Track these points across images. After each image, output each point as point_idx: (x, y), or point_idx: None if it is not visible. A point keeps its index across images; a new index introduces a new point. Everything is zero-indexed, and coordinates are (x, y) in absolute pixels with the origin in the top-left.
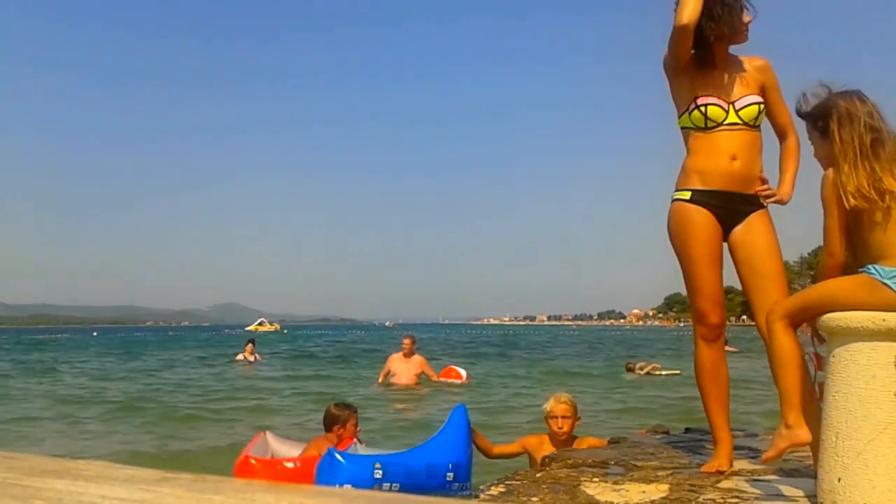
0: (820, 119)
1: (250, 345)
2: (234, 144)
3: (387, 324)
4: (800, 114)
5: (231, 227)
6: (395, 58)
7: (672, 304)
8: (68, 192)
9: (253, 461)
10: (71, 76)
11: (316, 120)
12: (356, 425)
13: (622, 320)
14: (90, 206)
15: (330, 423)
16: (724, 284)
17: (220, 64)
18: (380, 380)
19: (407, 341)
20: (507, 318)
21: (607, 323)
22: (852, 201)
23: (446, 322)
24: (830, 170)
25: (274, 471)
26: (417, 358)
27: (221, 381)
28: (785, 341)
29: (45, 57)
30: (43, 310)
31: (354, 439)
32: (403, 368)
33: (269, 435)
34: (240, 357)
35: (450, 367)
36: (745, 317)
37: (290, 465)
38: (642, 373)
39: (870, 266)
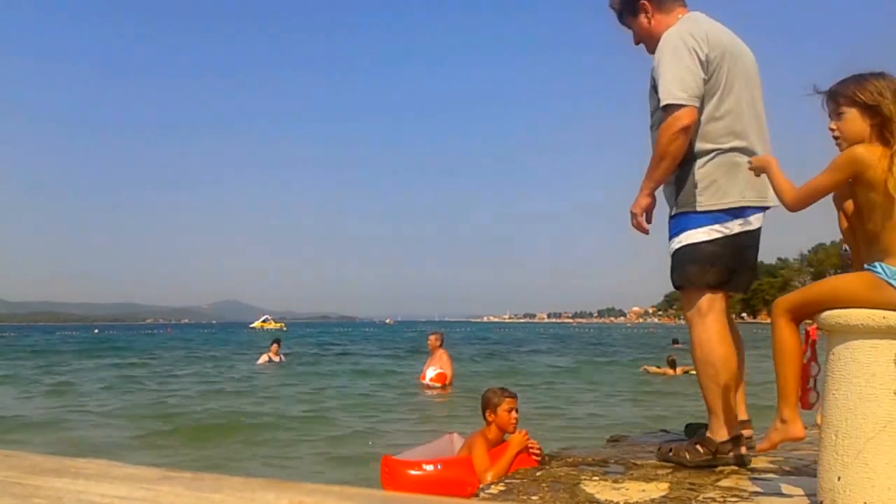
0: (862, 94)
1: (275, 345)
2: (234, 142)
3: (386, 321)
4: (832, 89)
5: (231, 225)
6: (396, 51)
7: (672, 302)
8: (69, 189)
9: (390, 461)
10: (70, 73)
11: (315, 117)
12: (511, 411)
13: (622, 318)
14: (91, 204)
15: (482, 408)
16: None
17: (220, 59)
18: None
19: (430, 338)
20: (506, 316)
21: (607, 320)
22: None
23: (445, 319)
24: (861, 146)
25: (404, 475)
26: (437, 355)
27: (276, 386)
28: (786, 336)
29: (44, 54)
30: (43, 307)
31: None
32: (427, 366)
33: (455, 437)
34: (264, 359)
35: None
36: (744, 314)
37: (429, 467)
38: (679, 371)
39: (875, 264)
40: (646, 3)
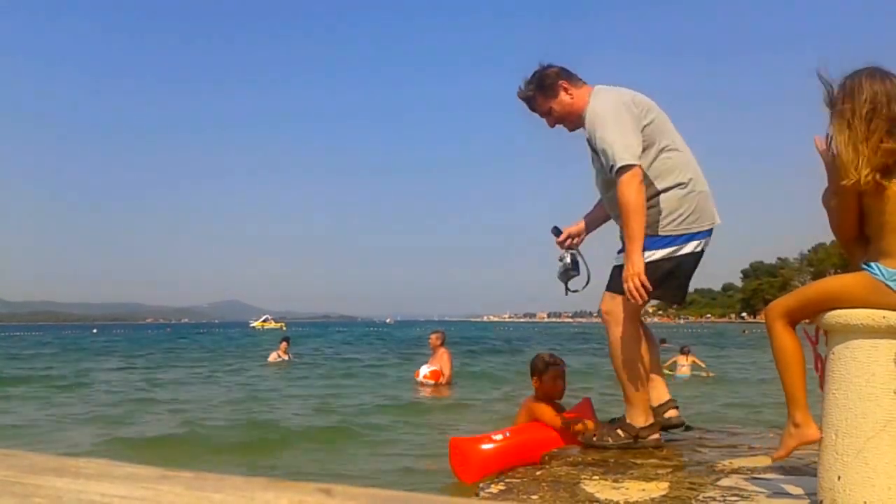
0: (831, 98)
1: (284, 343)
2: (234, 141)
3: (387, 320)
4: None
5: (231, 224)
6: (394, 53)
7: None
8: (69, 189)
9: (458, 441)
10: (69, 72)
11: (314, 117)
12: (557, 379)
13: None
14: (91, 204)
15: (530, 373)
16: (725, 281)
17: (219, 60)
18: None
19: (431, 337)
20: (506, 316)
21: None
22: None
23: (445, 319)
24: (842, 154)
25: (476, 451)
26: (438, 354)
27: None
28: (785, 340)
29: (44, 53)
30: (43, 307)
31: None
32: (425, 365)
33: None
34: (273, 357)
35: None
36: (744, 314)
37: (499, 437)
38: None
39: (872, 265)
40: (563, 82)
